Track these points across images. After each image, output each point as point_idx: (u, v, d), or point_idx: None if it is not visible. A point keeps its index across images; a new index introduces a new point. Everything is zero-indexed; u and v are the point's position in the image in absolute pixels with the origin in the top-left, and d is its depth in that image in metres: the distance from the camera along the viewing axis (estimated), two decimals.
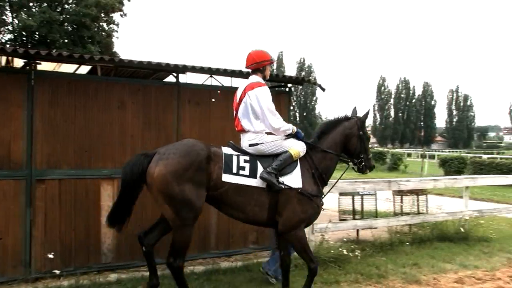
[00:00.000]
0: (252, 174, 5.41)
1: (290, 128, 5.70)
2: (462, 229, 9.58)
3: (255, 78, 5.80)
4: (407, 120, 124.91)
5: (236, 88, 6.27)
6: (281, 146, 5.58)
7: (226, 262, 7.05)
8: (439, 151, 75.02)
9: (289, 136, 5.74)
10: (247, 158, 5.49)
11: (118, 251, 6.97)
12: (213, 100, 7.74)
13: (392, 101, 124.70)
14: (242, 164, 5.41)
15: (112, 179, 6.87)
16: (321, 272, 6.80)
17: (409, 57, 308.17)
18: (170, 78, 8.26)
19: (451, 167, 27.78)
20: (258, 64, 5.81)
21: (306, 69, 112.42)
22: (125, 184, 5.28)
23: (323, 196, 5.88)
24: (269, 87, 8.77)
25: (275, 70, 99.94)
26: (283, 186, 5.39)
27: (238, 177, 5.35)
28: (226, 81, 8.13)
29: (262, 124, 5.63)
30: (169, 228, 5.44)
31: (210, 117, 7.73)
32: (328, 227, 7.72)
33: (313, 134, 6.19)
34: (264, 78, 5.93)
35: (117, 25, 30.63)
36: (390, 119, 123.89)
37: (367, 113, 6.44)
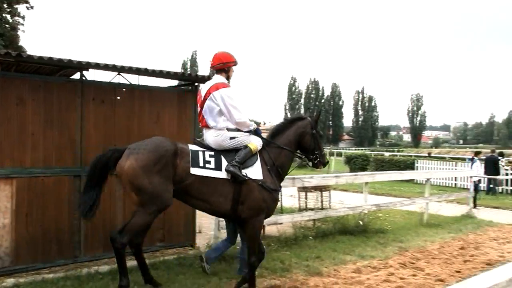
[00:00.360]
0: (218, 167, 5.76)
1: (252, 124, 6.15)
2: (361, 223, 10.04)
3: (219, 79, 6.16)
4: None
5: (144, 87, 6.38)
6: (241, 141, 5.95)
7: (132, 261, 6.98)
8: (346, 149, 77.75)
9: (249, 132, 6.10)
10: (212, 153, 5.85)
11: (16, 254, 6.54)
12: (118, 98, 7.49)
13: (302, 101, 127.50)
14: (207, 158, 5.76)
15: (11, 178, 6.49)
16: (227, 268, 6.91)
17: (319, 59, 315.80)
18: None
19: (356, 164, 28.95)
20: (223, 65, 6.20)
21: None
22: (91, 174, 5.59)
23: (279, 190, 6.33)
24: (175, 86, 8.81)
25: (188, 69, 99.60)
26: (246, 178, 5.76)
27: (205, 170, 5.68)
28: (134, 79, 7.93)
29: (225, 121, 5.97)
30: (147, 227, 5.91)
31: (115, 116, 7.46)
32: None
33: (269, 132, 6.57)
34: (227, 78, 6.26)
35: (23, 17, 28.93)
36: None
37: (319, 114, 7.18)
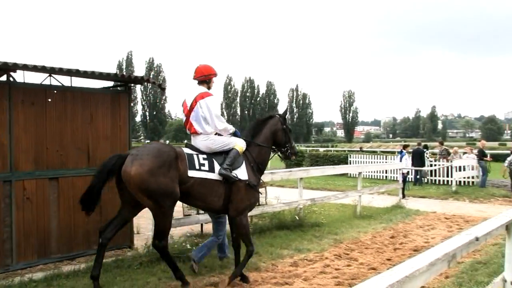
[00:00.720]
0: (211, 169, 6.21)
1: (232, 128, 6.70)
2: (297, 217, 10.18)
3: (202, 89, 6.59)
4: (253, 117, 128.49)
5: (76, 88, 6.25)
6: (228, 144, 6.46)
7: (69, 266, 6.75)
8: None
9: (231, 134, 6.67)
10: (205, 156, 6.30)
11: None
12: (49, 100, 7.22)
13: (238, 99, 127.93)
14: (201, 161, 6.20)
15: None
16: (166, 268, 6.83)
17: (254, 58, 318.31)
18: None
19: (291, 160, 29.23)
20: (205, 77, 6.67)
21: (156, 69, 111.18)
22: (98, 179, 5.82)
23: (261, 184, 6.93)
24: (108, 87, 8.64)
25: (124, 70, 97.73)
26: (236, 179, 6.28)
27: (201, 172, 6.12)
28: (67, 81, 7.64)
29: (211, 127, 6.41)
30: (124, 223, 6.27)
31: (47, 118, 7.19)
32: (172, 224, 7.67)
33: (245, 133, 7.03)
34: (208, 88, 6.70)
35: None
36: (237, 116, 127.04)
37: (286, 110, 7.78)
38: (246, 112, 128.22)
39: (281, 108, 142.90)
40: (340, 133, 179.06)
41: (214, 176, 6.20)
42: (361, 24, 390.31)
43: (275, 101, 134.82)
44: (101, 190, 5.85)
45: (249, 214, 9.51)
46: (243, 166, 6.50)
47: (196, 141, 6.48)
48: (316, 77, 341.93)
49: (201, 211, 8.95)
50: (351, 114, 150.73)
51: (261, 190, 10.38)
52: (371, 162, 24.51)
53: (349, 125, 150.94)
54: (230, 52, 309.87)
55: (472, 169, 20.27)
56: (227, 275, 6.71)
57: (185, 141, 6.58)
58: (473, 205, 15.20)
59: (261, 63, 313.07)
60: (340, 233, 9.80)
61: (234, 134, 6.74)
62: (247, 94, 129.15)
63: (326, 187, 19.38)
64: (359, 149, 36.74)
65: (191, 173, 6.02)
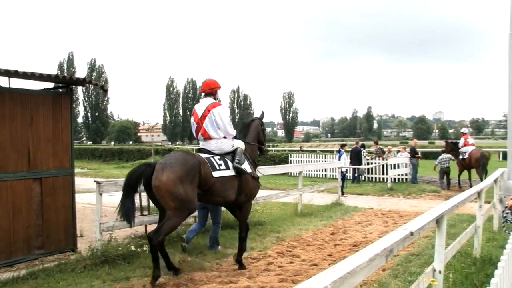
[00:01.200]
0: (227, 167, 7.09)
1: (235, 132, 7.65)
2: None
3: (210, 100, 7.56)
4: None
5: (15, 90, 6.08)
6: (234, 145, 7.45)
7: (7, 273, 6.48)
8: None
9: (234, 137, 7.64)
10: (219, 157, 7.14)
11: None
12: None
13: (180, 100, 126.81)
14: (218, 162, 7.01)
15: None
16: (111, 270, 6.71)
17: (195, 59, 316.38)
18: None
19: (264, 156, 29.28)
20: (212, 89, 7.65)
21: (98, 70, 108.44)
22: (128, 187, 6.31)
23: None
24: (49, 89, 8.38)
25: (65, 71, 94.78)
26: (247, 172, 7.31)
27: (220, 171, 6.93)
28: (4, 82, 7.33)
29: (222, 132, 7.32)
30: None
31: None
32: (115, 225, 7.44)
33: (239, 135, 7.97)
34: (215, 99, 7.67)
35: None
36: (179, 117, 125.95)
37: (263, 114, 8.63)
38: (188, 113, 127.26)
39: None
40: (281, 133, 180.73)
41: (230, 172, 7.09)
42: (300, 28, 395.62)
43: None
44: (134, 198, 6.44)
45: (192, 215, 9.53)
46: (246, 161, 7.47)
47: (209, 145, 7.34)
48: (257, 78, 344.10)
49: (144, 212, 8.84)
50: (291, 115, 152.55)
51: None
52: (311, 161, 24.85)
53: (289, 125, 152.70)
54: (172, 53, 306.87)
55: (405, 166, 20.98)
56: (172, 275, 6.69)
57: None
58: (407, 201, 15.75)
59: (203, 64, 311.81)
60: (282, 231, 9.91)
61: (235, 137, 7.69)
62: (189, 95, 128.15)
63: (268, 186, 19.42)
64: (299, 149, 37.17)
65: (215, 174, 6.82)
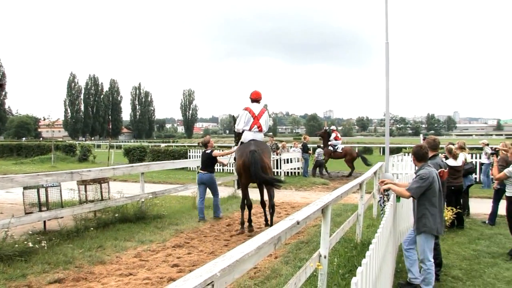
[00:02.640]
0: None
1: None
2: (140, 210, 10.06)
3: (260, 105, 10.07)
4: (97, 114, 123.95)
5: None
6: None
7: None
8: (125, 142, 76.33)
9: None
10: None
11: None
12: None
13: (82, 96, 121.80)
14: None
15: None
16: (6, 268, 6.30)
17: (97, 55, 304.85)
18: None
19: (134, 156, 28.56)
20: (259, 98, 10.09)
21: None
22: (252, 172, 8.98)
23: None
24: None
25: None
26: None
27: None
28: None
29: (266, 128, 9.93)
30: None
31: None
32: (11, 222, 7.01)
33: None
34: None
35: None
36: (81, 113, 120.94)
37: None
38: (90, 109, 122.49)
39: (125, 105, 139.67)
40: (181, 129, 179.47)
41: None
42: (201, 28, 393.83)
43: (119, 98, 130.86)
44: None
45: (93, 209, 9.25)
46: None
47: (259, 136, 9.78)
48: (158, 76, 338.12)
49: (43, 208, 8.42)
50: (191, 112, 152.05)
51: (104, 185, 10.10)
52: None
53: (189, 122, 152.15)
54: (73, 49, 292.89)
55: (298, 161, 21.66)
56: (72, 270, 6.49)
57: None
58: (299, 193, 16.28)
59: (105, 61, 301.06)
60: (181, 224, 9.87)
61: None
62: (91, 91, 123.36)
63: (168, 180, 19.29)
64: (197, 144, 36.98)
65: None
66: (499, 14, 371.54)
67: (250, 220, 9.60)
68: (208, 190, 10.88)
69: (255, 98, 10.01)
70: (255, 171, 8.83)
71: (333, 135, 22.84)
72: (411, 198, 5.89)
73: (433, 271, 5.80)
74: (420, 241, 5.81)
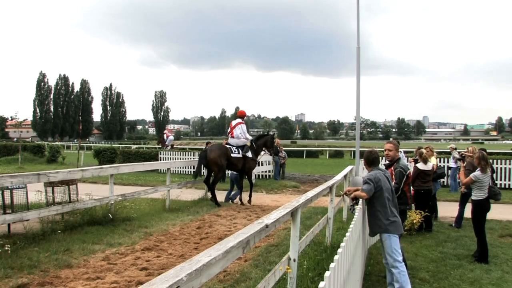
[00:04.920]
0: (239, 152, 13.80)
1: (250, 137, 14.55)
2: (109, 212, 9.89)
3: (239, 120, 14.32)
4: (67, 115, 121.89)
5: None
6: (245, 142, 14.10)
7: None
8: (95, 143, 75.20)
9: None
10: (235, 148, 13.84)
11: None
12: None
13: (52, 96, 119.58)
14: (234, 150, 13.73)
15: None
16: None
17: (69, 55, 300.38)
18: None
19: (104, 157, 28.08)
20: (241, 115, 14.94)
21: None
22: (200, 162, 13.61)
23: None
24: None
25: None
26: (250, 156, 14.03)
27: (236, 154, 13.68)
28: None
29: (241, 136, 14.09)
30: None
31: None
32: None
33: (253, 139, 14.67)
34: (242, 119, 14.49)
35: None
36: (50, 113, 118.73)
37: (274, 134, 16.74)
38: (60, 109, 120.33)
39: (95, 106, 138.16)
40: (152, 131, 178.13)
41: (238, 154, 13.76)
42: (175, 28, 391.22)
43: (89, 98, 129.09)
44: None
45: (61, 211, 9.03)
46: (250, 151, 14.07)
47: (232, 141, 14.11)
48: (129, 76, 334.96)
49: (8, 211, 8.19)
50: (162, 113, 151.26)
51: (72, 187, 9.91)
52: (180, 158, 24.70)
53: (161, 123, 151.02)
54: (43, 48, 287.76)
55: (269, 164, 21.69)
56: (37, 274, 6.31)
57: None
58: (269, 196, 16.32)
59: (76, 60, 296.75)
60: (150, 226, 9.75)
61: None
62: (61, 91, 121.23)
63: (138, 182, 19.10)
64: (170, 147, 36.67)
65: (233, 155, 13.60)
66: (468, 18, 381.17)
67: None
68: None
69: (239, 115, 14.95)
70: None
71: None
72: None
73: (406, 271, 5.85)
74: (385, 242, 5.86)
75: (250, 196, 14.12)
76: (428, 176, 10.06)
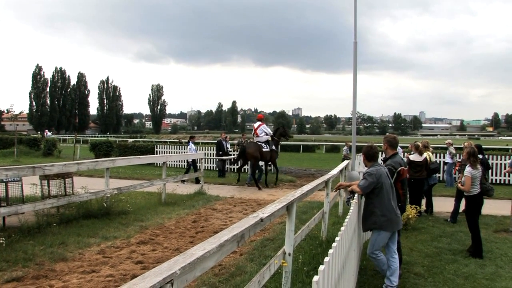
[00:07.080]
0: (266, 148, 17.33)
1: (271, 133, 18.54)
2: (105, 206, 9.89)
3: (259, 122, 17.70)
4: (63, 108, 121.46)
5: None
6: (267, 139, 17.65)
7: None
8: (91, 136, 75.04)
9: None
10: (264, 144, 17.41)
11: None
12: None
13: (48, 89, 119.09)
14: (264, 145, 17.33)
15: None
16: None
17: (65, 48, 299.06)
18: None
19: (101, 151, 27.96)
20: (261, 118, 18.30)
21: None
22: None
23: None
24: None
25: None
26: (274, 149, 18.14)
27: (265, 149, 17.24)
28: None
29: (264, 134, 17.57)
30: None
31: None
32: None
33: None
34: (261, 121, 17.86)
35: None
36: (47, 106, 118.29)
37: (284, 126, 20.51)
38: (56, 102, 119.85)
39: (92, 100, 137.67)
40: (149, 124, 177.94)
41: (267, 149, 17.13)
42: (169, 22, 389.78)
43: (86, 92, 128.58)
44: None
45: (56, 204, 9.00)
46: (274, 145, 17.84)
47: (258, 139, 17.24)
48: (126, 70, 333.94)
49: (3, 204, 8.17)
50: (159, 107, 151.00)
51: (68, 180, 9.88)
52: (177, 152, 24.61)
53: (157, 117, 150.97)
54: (40, 40, 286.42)
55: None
56: (31, 267, 6.30)
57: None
58: (265, 190, 16.29)
59: (72, 53, 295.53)
60: (146, 220, 9.75)
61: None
62: (58, 84, 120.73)
63: (134, 176, 19.06)
64: (177, 141, 36.49)
65: (264, 150, 16.99)
66: (466, 14, 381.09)
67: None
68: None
69: (259, 119, 18.05)
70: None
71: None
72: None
73: (383, 258, 5.83)
74: (373, 235, 5.85)
75: (268, 182, 17.61)
76: (419, 167, 10.58)
